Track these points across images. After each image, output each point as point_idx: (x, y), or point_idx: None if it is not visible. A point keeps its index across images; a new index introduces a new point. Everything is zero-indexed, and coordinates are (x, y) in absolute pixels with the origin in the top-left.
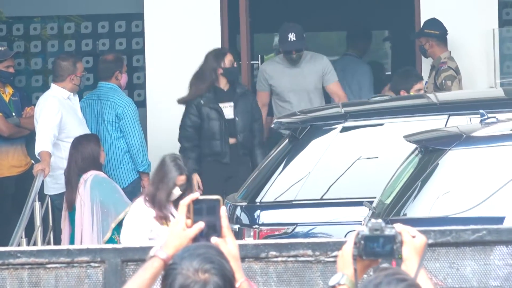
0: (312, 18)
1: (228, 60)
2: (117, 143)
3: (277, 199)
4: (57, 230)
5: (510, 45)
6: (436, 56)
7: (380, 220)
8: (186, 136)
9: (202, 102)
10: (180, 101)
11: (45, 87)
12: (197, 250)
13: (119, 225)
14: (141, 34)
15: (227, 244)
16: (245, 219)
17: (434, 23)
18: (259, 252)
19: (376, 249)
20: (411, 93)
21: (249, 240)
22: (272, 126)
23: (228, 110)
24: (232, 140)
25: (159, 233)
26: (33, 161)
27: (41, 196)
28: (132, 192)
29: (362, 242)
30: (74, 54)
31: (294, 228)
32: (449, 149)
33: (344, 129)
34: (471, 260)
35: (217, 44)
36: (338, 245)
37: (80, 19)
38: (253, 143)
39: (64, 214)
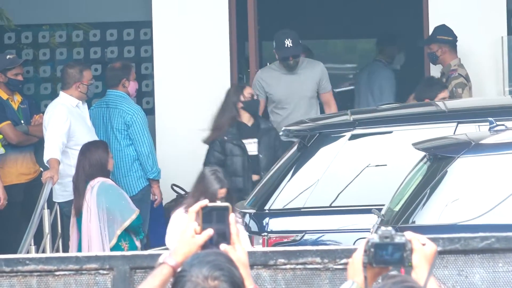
0: (319, 26)
1: (247, 93)
2: (127, 150)
3: (286, 207)
4: (66, 237)
5: None
6: (446, 63)
7: (390, 228)
8: None
9: (225, 138)
10: (206, 141)
11: (53, 95)
12: (206, 257)
13: (126, 232)
14: (150, 42)
15: (236, 251)
16: (254, 226)
17: (445, 29)
18: (267, 259)
19: (386, 257)
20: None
21: (257, 248)
22: (280, 133)
23: (252, 146)
24: (255, 177)
25: None
26: (41, 169)
27: (50, 203)
28: (141, 199)
29: (372, 249)
30: (82, 62)
31: (303, 236)
32: (458, 157)
33: (353, 137)
34: (479, 267)
35: (226, 52)
36: (347, 253)
37: (89, 27)
38: None
39: (72, 221)
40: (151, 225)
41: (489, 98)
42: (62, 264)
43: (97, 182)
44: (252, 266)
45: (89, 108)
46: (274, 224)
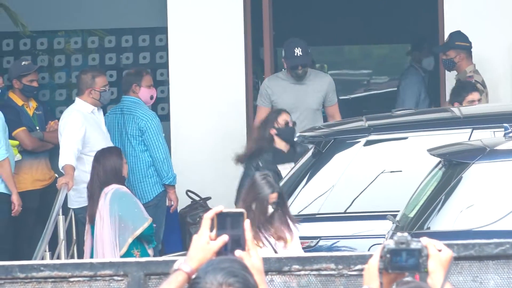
0: (335, 32)
1: (282, 119)
2: (142, 156)
3: (301, 213)
4: (80, 243)
5: None
6: (461, 69)
7: (406, 234)
8: None
9: (260, 164)
10: (238, 160)
11: (68, 101)
12: (221, 264)
13: (138, 240)
14: (165, 48)
15: (251, 258)
16: None
17: (462, 35)
18: (282, 265)
19: (402, 263)
20: (464, 105)
21: (272, 254)
22: (296, 139)
23: (287, 171)
24: None
25: None
26: (56, 175)
27: (65, 209)
28: (157, 205)
29: (388, 255)
30: (98, 68)
31: (318, 242)
32: (473, 163)
33: (368, 143)
34: (494, 273)
35: (241, 58)
36: (361, 259)
37: (104, 33)
38: None
39: (87, 227)
40: (166, 231)
41: (504, 104)
42: (76, 271)
43: (111, 189)
44: (266, 272)
45: (105, 114)
46: None
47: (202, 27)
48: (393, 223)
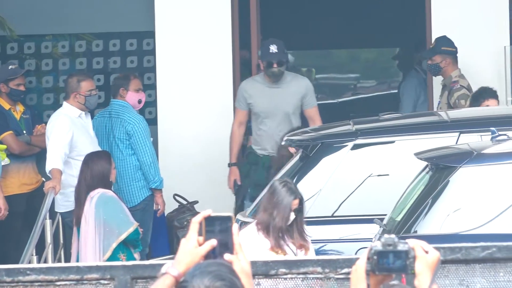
0: (323, 36)
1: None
2: (129, 160)
3: None
4: (67, 247)
5: None
6: (447, 74)
7: (393, 235)
8: None
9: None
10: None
11: (56, 105)
12: (208, 268)
13: (124, 244)
14: (152, 52)
15: (240, 261)
16: None
17: (448, 40)
18: (268, 269)
19: (389, 264)
20: None
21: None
22: (283, 143)
23: None
24: None
25: None
26: (43, 179)
27: (52, 213)
28: (144, 209)
29: (375, 257)
30: (85, 72)
31: None
32: (460, 167)
33: (355, 147)
34: (480, 277)
35: (228, 62)
36: (348, 262)
37: (92, 37)
38: None
39: (74, 230)
40: (153, 235)
41: (491, 108)
42: (63, 274)
43: (97, 193)
44: (253, 276)
45: (93, 117)
46: None
47: (190, 31)
48: (380, 226)
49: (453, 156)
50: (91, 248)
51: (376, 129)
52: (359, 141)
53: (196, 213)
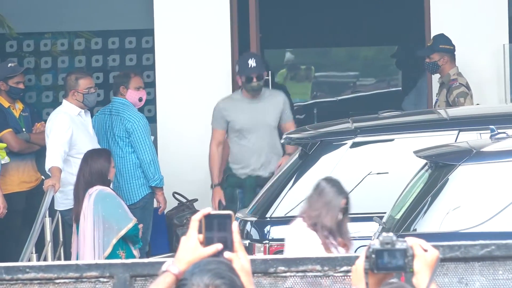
0: (321, 34)
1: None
2: (129, 157)
3: (287, 214)
4: (67, 245)
5: None
6: (445, 72)
7: (391, 234)
8: None
9: None
10: None
11: (55, 103)
12: (208, 266)
13: (124, 240)
14: (151, 50)
15: (240, 259)
16: (255, 234)
17: (446, 38)
18: (267, 267)
19: (387, 263)
20: None
21: (257, 255)
22: (282, 141)
23: None
24: None
25: None
26: (43, 177)
27: (52, 211)
28: (144, 207)
29: (373, 255)
30: (84, 70)
31: None
32: (459, 165)
33: (354, 145)
34: (480, 275)
35: (227, 59)
36: (347, 260)
37: (91, 35)
38: None
39: (74, 228)
40: (152, 233)
41: (491, 106)
42: (62, 272)
43: (95, 190)
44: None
45: (93, 115)
46: (276, 232)
47: (189, 29)
48: (379, 224)
49: (452, 154)
50: (90, 244)
51: (375, 127)
52: (358, 139)
53: (196, 211)
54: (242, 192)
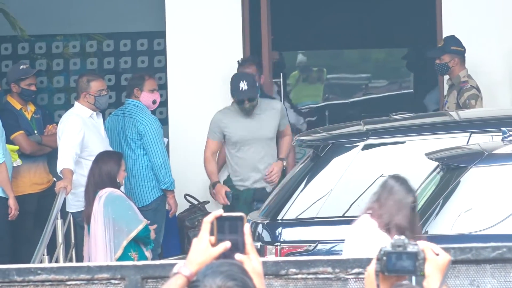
0: (333, 36)
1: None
2: (141, 160)
3: (299, 217)
4: (79, 247)
5: None
6: (455, 74)
7: (403, 237)
8: None
9: None
10: None
11: (67, 105)
12: (220, 267)
13: (135, 242)
14: (163, 52)
15: (252, 261)
16: (266, 236)
17: (457, 40)
18: (279, 269)
19: (398, 266)
20: None
21: (269, 257)
22: (294, 143)
23: None
24: None
25: None
26: (55, 179)
27: (63, 213)
28: (156, 209)
29: (385, 258)
30: (96, 72)
31: (316, 246)
32: (471, 167)
33: (366, 147)
34: (491, 277)
35: None
36: (358, 263)
37: (103, 37)
38: None
39: (85, 229)
40: (164, 235)
41: (502, 108)
42: (73, 274)
43: (105, 192)
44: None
45: (105, 118)
46: (287, 234)
47: (201, 31)
48: None
49: (464, 156)
50: (101, 246)
51: (387, 129)
52: (370, 141)
53: (207, 213)
54: (235, 205)
